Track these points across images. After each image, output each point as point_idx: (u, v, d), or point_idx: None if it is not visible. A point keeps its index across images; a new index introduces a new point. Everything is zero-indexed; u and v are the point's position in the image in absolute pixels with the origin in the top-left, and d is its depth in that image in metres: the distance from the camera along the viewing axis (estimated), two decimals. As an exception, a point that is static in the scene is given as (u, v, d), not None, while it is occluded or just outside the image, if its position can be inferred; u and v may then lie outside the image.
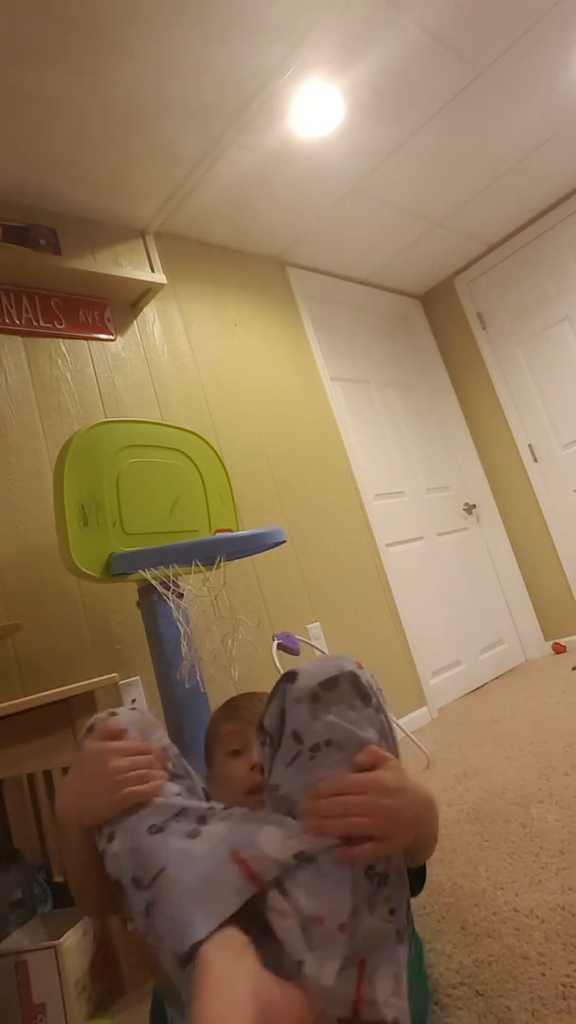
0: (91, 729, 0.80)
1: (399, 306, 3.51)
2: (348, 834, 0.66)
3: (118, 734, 0.78)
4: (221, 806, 0.75)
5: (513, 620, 3.25)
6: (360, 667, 0.74)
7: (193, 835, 0.68)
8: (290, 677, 0.74)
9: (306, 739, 0.70)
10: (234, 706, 1.09)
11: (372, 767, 0.68)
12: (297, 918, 0.64)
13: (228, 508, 1.76)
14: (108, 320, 2.16)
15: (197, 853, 0.66)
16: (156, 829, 0.70)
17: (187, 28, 1.66)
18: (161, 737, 0.83)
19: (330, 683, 0.72)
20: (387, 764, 0.69)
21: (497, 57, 2.06)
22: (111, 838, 0.71)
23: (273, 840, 0.67)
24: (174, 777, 0.79)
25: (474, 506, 3.36)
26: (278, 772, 0.72)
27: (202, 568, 1.51)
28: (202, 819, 0.71)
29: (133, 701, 1.74)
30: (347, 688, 0.72)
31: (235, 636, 1.71)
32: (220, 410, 2.35)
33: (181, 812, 0.72)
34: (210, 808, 0.73)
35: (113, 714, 0.81)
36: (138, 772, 0.73)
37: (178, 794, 0.76)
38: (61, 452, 1.51)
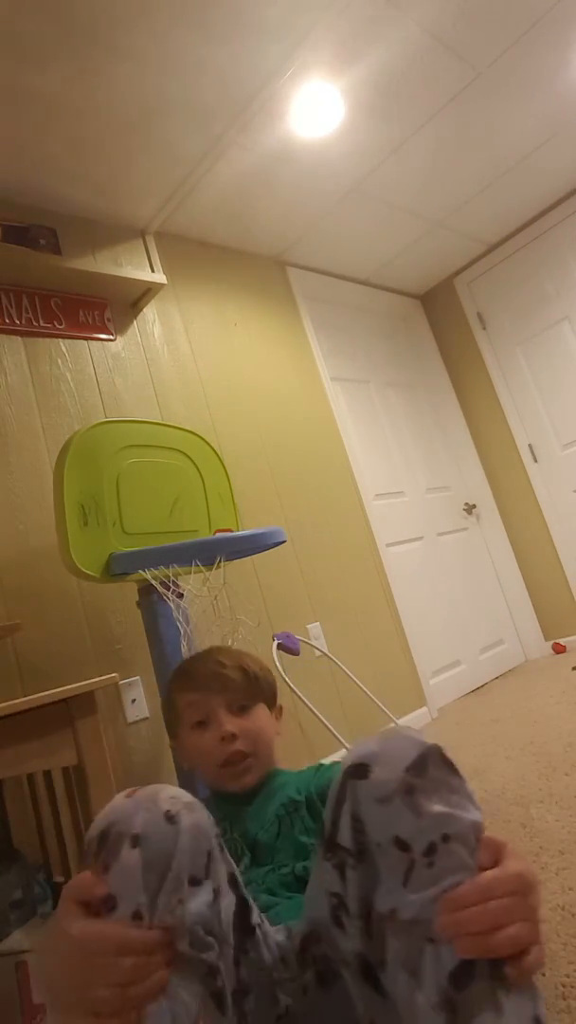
0: (98, 848, 0.58)
1: (399, 306, 3.51)
2: (512, 950, 0.51)
3: (99, 904, 0.55)
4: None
5: (513, 620, 3.25)
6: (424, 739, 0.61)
7: None
8: (358, 772, 0.59)
9: (416, 844, 0.55)
10: (188, 673, 1.01)
11: (497, 859, 0.55)
12: None
13: (228, 508, 1.76)
14: (108, 320, 2.16)
15: None
16: None
17: (187, 28, 1.66)
18: (202, 848, 0.60)
19: (419, 767, 0.58)
20: (507, 851, 0.56)
21: (497, 57, 2.06)
22: None
23: None
24: (187, 961, 0.56)
25: (474, 506, 3.36)
26: (388, 895, 0.56)
27: (202, 568, 1.51)
28: None
29: (133, 701, 1.74)
30: (439, 766, 0.59)
31: (235, 636, 1.71)
32: (220, 410, 2.35)
33: None
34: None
35: (115, 844, 0.57)
36: (107, 999, 0.51)
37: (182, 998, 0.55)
38: (61, 452, 1.51)
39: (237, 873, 0.66)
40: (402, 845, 0.55)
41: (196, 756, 0.96)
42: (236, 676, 0.97)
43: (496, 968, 0.51)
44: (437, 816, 0.55)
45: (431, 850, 0.54)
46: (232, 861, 0.67)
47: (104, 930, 0.54)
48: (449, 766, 0.60)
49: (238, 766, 0.92)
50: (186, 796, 0.63)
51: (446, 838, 0.55)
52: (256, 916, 0.67)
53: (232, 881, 0.65)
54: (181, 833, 0.58)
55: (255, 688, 0.99)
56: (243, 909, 0.65)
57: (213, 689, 0.96)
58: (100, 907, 0.55)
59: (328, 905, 0.62)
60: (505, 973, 0.51)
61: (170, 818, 0.59)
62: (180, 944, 0.55)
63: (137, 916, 0.54)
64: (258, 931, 0.66)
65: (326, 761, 1.06)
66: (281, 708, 1.07)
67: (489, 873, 0.54)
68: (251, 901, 0.67)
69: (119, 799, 0.61)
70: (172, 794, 0.61)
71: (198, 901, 0.58)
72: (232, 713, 0.95)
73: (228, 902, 0.63)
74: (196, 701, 0.96)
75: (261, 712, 0.99)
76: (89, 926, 0.54)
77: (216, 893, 0.60)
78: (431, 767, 0.58)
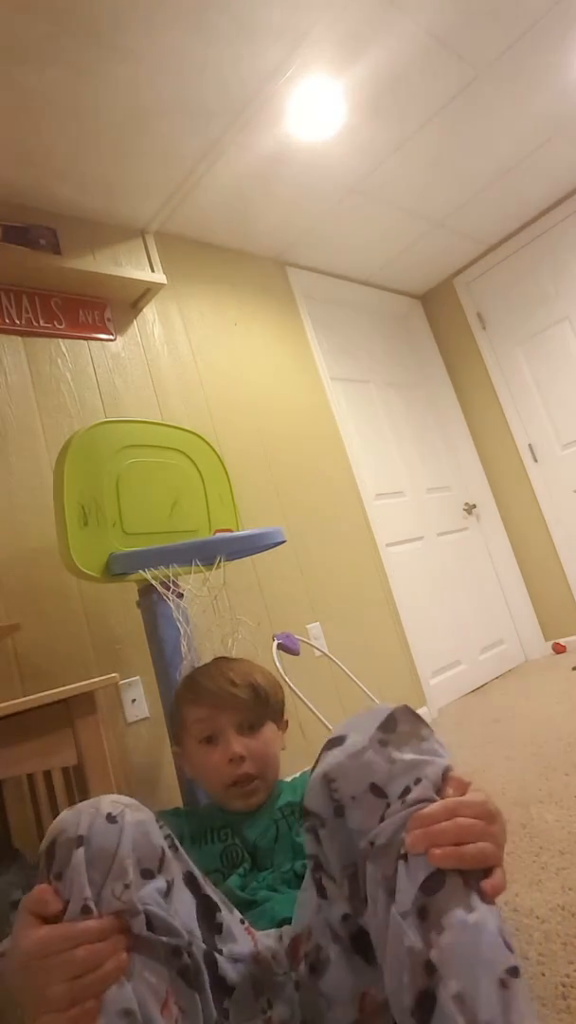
0: (49, 847, 0.60)
1: (399, 306, 3.51)
2: (479, 863, 0.55)
3: (46, 906, 0.57)
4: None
5: (513, 620, 3.25)
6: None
7: None
8: (335, 742, 0.63)
9: (390, 789, 0.59)
10: (198, 688, 0.99)
11: (463, 793, 0.59)
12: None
13: (228, 508, 1.76)
14: (108, 320, 2.16)
15: None
16: None
17: (187, 28, 1.66)
18: (148, 841, 0.62)
19: (389, 723, 0.62)
20: (472, 788, 0.60)
21: (497, 57, 2.06)
22: None
23: None
24: (149, 945, 0.58)
25: (474, 506, 3.36)
26: (364, 836, 0.59)
27: (202, 568, 1.51)
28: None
29: (133, 701, 1.74)
30: (408, 721, 0.63)
31: (235, 636, 1.71)
32: (220, 410, 2.35)
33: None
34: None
35: (64, 848, 0.59)
36: (60, 994, 0.53)
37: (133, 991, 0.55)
38: (61, 452, 1.51)
39: (197, 874, 0.67)
40: (378, 791, 0.59)
41: (202, 772, 0.97)
42: (246, 695, 0.96)
43: (466, 877, 0.54)
44: (410, 763, 0.59)
45: (406, 791, 0.58)
46: (190, 862, 0.67)
47: (55, 930, 0.55)
48: (418, 719, 0.64)
49: (246, 787, 0.93)
50: (129, 800, 0.64)
51: (419, 781, 0.58)
52: (224, 915, 0.67)
53: (190, 880, 0.66)
54: (124, 830, 0.60)
55: (265, 707, 0.98)
56: (207, 908, 0.66)
57: (223, 708, 0.95)
58: (55, 917, 0.56)
59: (312, 880, 0.64)
60: (474, 882, 0.54)
61: (111, 818, 0.60)
62: (136, 927, 0.57)
63: (86, 910, 0.56)
64: (228, 928, 0.67)
65: None
66: (287, 722, 1.07)
67: (455, 797, 0.58)
68: (219, 902, 0.68)
69: (64, 813, 0.62)
70: (114, 799, 0.64)
71: (149, 888, 0.59)
72: (241, 733, 0.95)
73: (186, 897, 0.64)
74: (205, 718, 0.96)
75: (269, 731, 0.99)
76: (42, 930, 0.55)
77: (169, 886, 0.62)
78: (401, 722, 0.63)
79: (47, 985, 0.53)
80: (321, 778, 0.61)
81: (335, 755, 0.61)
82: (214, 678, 0.98)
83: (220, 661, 1.05)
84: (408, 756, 0.60)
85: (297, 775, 1.03)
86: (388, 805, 0.58)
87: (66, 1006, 0.52)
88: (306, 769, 1.02)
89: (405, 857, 0.55)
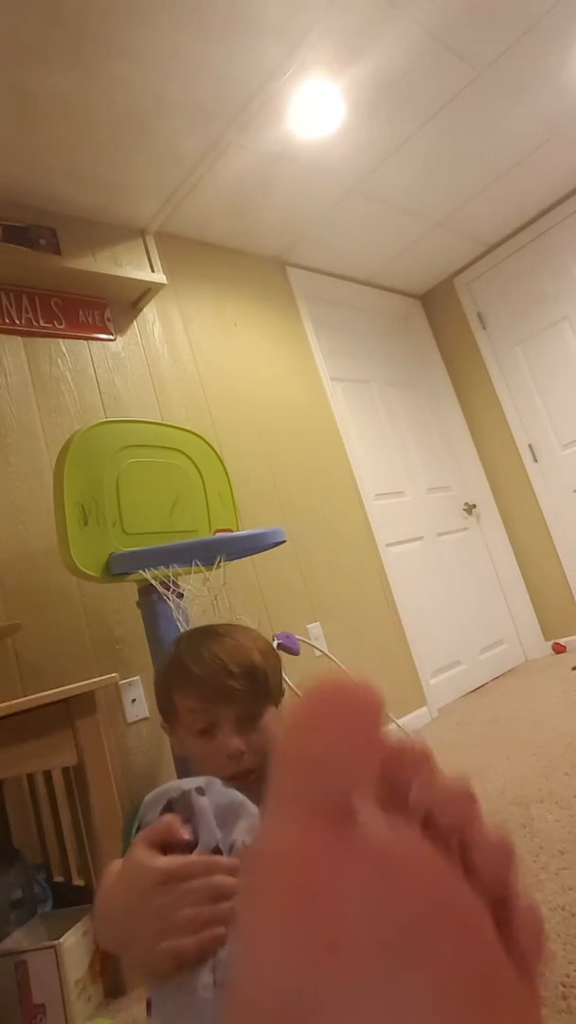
0: (166, 805, 0.61)
1: (399, 306, 3.51)
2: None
3: (178, 845, 0.58)
4: None
5: (513, 620, 3.25)
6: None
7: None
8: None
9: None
10: (189, 679, 0.90)
11: None
12: None
13: (228, 508, 1.76)
14: (108, 320, 2.16)
15: None
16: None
17: (187, 28, 1.66)
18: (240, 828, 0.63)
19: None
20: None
21: (497, 57, 2.06)
22: (149, 997, 0.55)
23: None
24: None
25: (474, 506, 3.36)
26: None
27: (202, 568, 1.51)
28: None
29: (133, 701, 1.74)
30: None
31: (235, 636, 1.71)
32: (220, 410, 2.35)
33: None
34: None
35: (184, 798, 0.61)
36: (192, 916, 0.54)
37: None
38: (61, 452, 1.51)
39: None
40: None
41: (197, 762, 0.91)
42: (246, 687, 0.89)
43: None
44: None
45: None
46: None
47: (191, 858, 0.57)
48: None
49: (246, 783, 0.87)
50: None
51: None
52: None
53: None
54: (229, 791, 0.64)
55: (266, 695, 0.91)
56: None
57: (220, 702, 0.88)
58: (181, 850, 0.58)
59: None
60: None
61: (201, 790, 0.64)
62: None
63: (217, 851, 0.58)
64: None
65: None
66: (283, 693, 1.00)
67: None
68: None
69: (155, 791, 0.66)
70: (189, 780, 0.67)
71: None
72: (240, 726, 0.88)
73: None
74: (199, 710, 0.89)
75: (269, 720, 0.93)
76: (175, 859, 0.56)
77: None
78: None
79: (177, 908, 0.54)
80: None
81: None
82: (207, 665, 0.89)
83: (210, 640, 0.93)
84: None
85: None
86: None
87: (197, 929, 0.53)
88: None
89: None
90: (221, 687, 0.87)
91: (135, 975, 1.14)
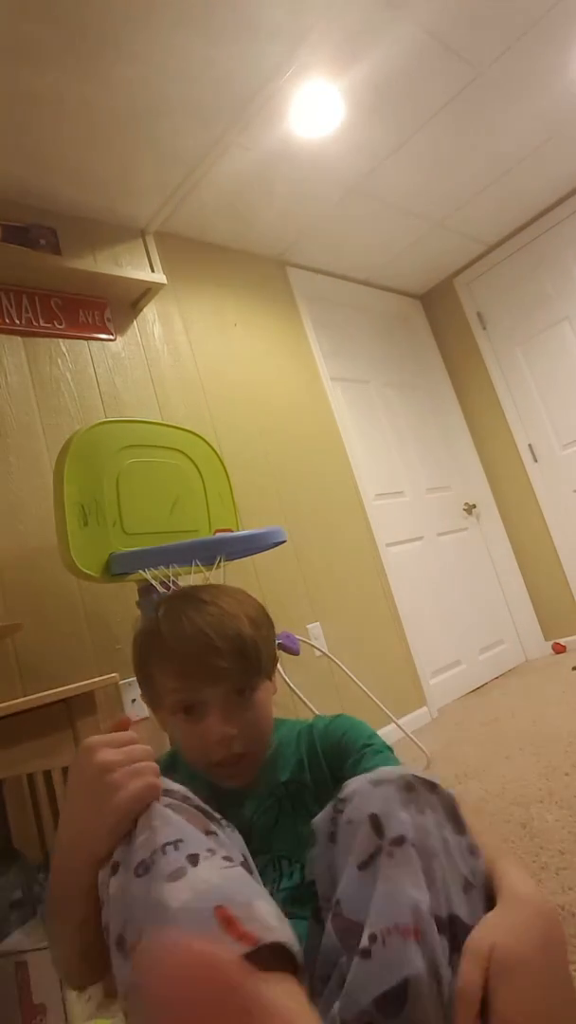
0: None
1: (399, 306, 3.51)
2: None
3: (121, 725, 0.64)
4: (225, 834, 0.60)
5: (513, 620, 3.25)
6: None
7: (175, 876, 0.50)
8: (374, 777, 0.60)
9: (388, 829, 0.55)
10: (171, 654, 0.78)
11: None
12: None
13: (228, 508, 1.76)
14: (108, 320, 2.16)
15: (172, 906, 0.48)
16: (143, 868, 0.52)
17: (187, 28, 1.66)
18: None
19: (429, 784, 0.59)
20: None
21: (497, 57, 2.06)
22: (115, 870, 0.55)
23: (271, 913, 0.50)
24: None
25: (474, 506, 3.36)
26: (343, 879, 0.55)
27: (202, 568, 1.51)
28: (194, 858, 0.53)
29: (133, 701, 1.74)
30: (445, 804, 0.59)
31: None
32: (220, 410, 2.35)
33: (174, 843, 0.54)
34: (209, 849, 0.55)
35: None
36: (131, 767, 0.59)
37: (170, 806, 0.59)
38: (61, 452, 1.51)
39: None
40: (376, 825, 0.55)
41: (185, 748, 0.80)
42: (234, 664, 0.76)
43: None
44: (422, 824, 0.55)
45: (398, 842, 0.54)
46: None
47: (111, 734, 0.63)
48: (457, 819, 0.59)
49: (236, 767, 0.78)
50: None
51: (416, 846, 0.54)
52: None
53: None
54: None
55: (257, 670, 0.79)
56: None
57: (205, 682, 0.76)
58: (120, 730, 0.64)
59: (314, 906, 0.61)
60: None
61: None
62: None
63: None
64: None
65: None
66: (276, 661, 0.88)
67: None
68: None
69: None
70: None
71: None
72: (229, 706, 0.77)
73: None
74: (182, 689, 0.77)
75: (262, 692, 0.81)
76: (97, 737, 0.62)
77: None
78: (439, 796, 0.59)
79: (109, 772, 0.58)
80: (332, 811, 0.59)
81: (366, 779, 0.59)
82: (189, 640, 0.76)
83: (192, 608, 0.79)
84: (425, 819, 0.56)
85: (294, 725, 0.88)
86: (377, 849, 0.54)
87: (128, 780, 0.57)
88: (300, 719, 0.91)
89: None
90: (206, 665, 0.75)
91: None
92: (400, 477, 3.05)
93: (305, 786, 0.81)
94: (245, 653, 0.77)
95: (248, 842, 0.66)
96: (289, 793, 0.80)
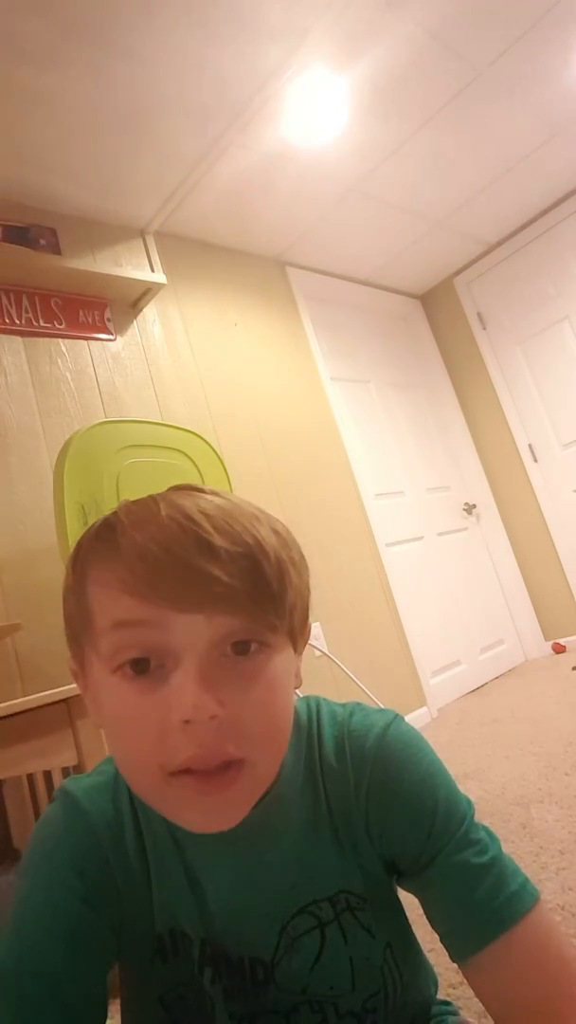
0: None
1: (399, 306, 3.51)
2: None
3: None
4: None
5: (513, 620, 3.25)
6: None
7: None
8: None
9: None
10: (126, 547, 0.43)
11: None
12: None
13: (228, 508, 1.75)
14: (108, 320, 2.16)
15: None
16: None
17: (187, 28, 1.66)
18: None
19: None
20: None
21: (497, 57, 2.06)
22: None
23: None
24: None
25: (474, 506, 3.36)
26: None
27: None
28: None
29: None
30: None
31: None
32: (220, 410, 2.35)
33: None
34: None
35: None
36: None
37: None
38: (61, 452, 1.51)
39: None
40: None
41: (118, 736, 0.44)
42: (239, 581, 0.43)
43: None
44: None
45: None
46: None
47: None
48: None
49: (217, 783, 0.41)
50: None
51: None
52: None
53: None
54: None
55: (275, 607, 0.45)
56: None
57: (181, 602, 0.41)
58: None
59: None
60: None
61: None
62: None
63: None
64: None
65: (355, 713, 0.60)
66: (309, 631, 0.57)
67: None
68: None
69: None
70: None
71: None
72: (216, 664, 0.42)
73: None
74: (135, 616, 0.42)
75: (280, 661, 0.46)
76: None
77: None
78: None
79: None
80: None
81: None
82: (162, 526, 0.43)
83: (179, 495, 0.49)
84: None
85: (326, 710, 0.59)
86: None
87: None
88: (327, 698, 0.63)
89: None
90: (186, 568, 0.41)
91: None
92: (400, 477, 3.05)
93: (361, 897, 0.51)
94: (259, 569, 0.43)
95: (251, 972, 0.43)
96: (335, 911, 0.49)
